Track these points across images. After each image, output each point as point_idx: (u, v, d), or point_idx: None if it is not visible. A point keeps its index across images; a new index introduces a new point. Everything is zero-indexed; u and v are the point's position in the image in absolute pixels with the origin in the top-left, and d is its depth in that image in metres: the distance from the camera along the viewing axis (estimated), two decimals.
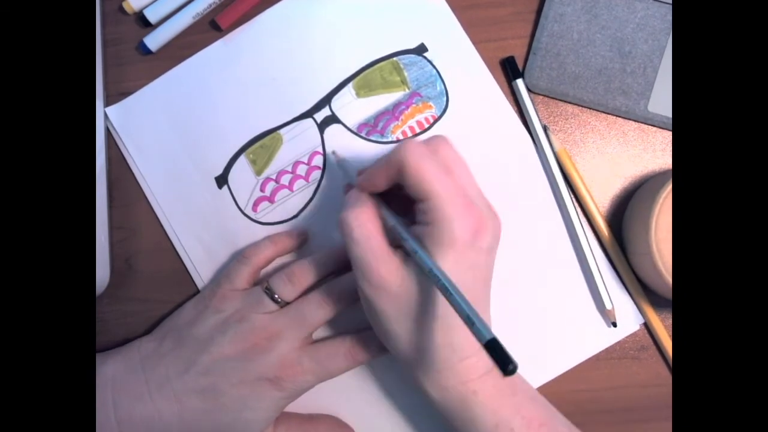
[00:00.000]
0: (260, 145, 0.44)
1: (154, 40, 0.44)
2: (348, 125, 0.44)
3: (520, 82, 0.43)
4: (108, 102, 0.45)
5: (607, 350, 0.42)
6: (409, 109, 0.44)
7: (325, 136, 0.44)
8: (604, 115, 0.44)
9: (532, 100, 0.43)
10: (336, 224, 0.41)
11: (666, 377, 0.42)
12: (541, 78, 0.43)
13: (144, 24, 0.45)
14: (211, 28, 0.45)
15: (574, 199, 0.42)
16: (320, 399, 0.42)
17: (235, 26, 0.45)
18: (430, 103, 0.44)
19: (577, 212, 0.42)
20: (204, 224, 0.44)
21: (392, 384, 0.43)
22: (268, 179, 0.44)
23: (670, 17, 0.42)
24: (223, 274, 0.42)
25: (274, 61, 0.44)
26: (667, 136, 0.43)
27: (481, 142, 0.43)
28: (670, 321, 0.42)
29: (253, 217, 0.43)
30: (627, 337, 0.42)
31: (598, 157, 0.44)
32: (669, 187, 0.37)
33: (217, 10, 0.45)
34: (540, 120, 0.43)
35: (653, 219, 0.37)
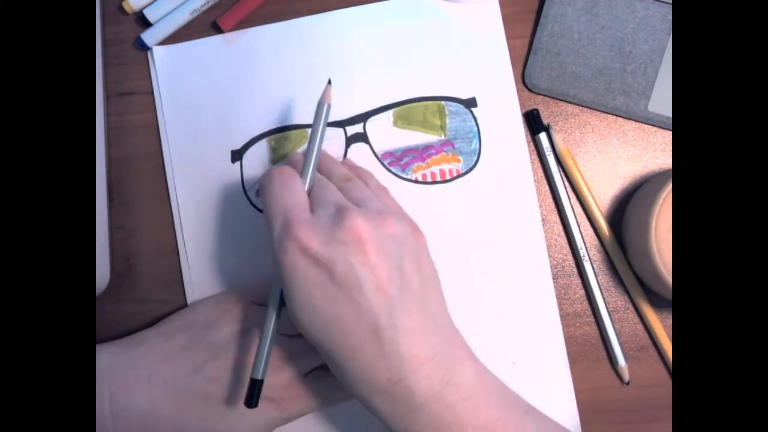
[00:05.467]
0: (285, 136, 0.44)
1: (151, 36, 0.44)
2: (375, 149, 0.43)
3: (543, 136, 0.43)
4: (108, 102, 0.45)
5: (607, 350, 0.42)
6: (438, 155, 0.43)
7: (348, 150, 0.43)
8: (604, 114, 0.44)
9: (556, 157, 0.43)
10: None
11: (666, 377, 0.42)
12: (542, 78, 0.43)
13: (144, 24, 0.45)
14: (211, 29, 0.45)
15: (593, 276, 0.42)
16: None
17: (237, 29, 0.45)
18: (460, 158, 0.43)
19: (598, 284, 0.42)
20: (205, 191, 0.44)
21: None
22: None
23: (670, 17, 0.42)
24: (252, 286, 0.42)
25: (326, 62, 0.44)
26: (667, 136, 0.43)
27: (492, 213, 0.43)
28: (670, 321, 0.42)
29: (253, 201, 0.43)
30: (627, 337, 0.42)
31: (598, 156, 0.44)
32: (669, 187, 0.37)
33: (216, 9, 0.45)
34: (562, 179, 0.43)
35: (653, 219, 0.37)
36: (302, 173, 0.36)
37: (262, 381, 0.35)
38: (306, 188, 0.36)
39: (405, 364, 0.31)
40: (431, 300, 0.33)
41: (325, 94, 0.38)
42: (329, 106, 0.37)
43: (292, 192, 0.34)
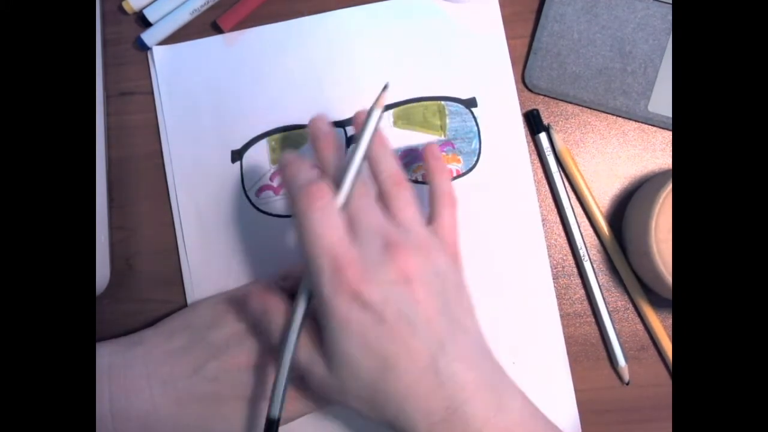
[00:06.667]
0: (285, 136, 0.44)
1: (151, 36, 0.44)
2: None
3: (543, 137, 0.43)
4: (108, 102, 0.45)
5: (607, 350, 0.42)
6: None
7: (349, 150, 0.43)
8: (604, 115, 0.44)
9: (556, 157, 0.43)
10: None
11: (666, 377, 0.42)
12: (541, 78, 0.43)
13: (144, 24, 0.45)
14: (211, 29, 0.45)
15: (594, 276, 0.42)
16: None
17: (237, 29, 0.45)
18: (460, 158, 0.43)
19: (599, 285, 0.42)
20: (205, 191, 0.44)
21: None
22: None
23: (670, 17, 0.42)
24: (253, 284, 0.42)
25: (326, 62, 0.44)
26: (667, 136, 0.43)
27: (492, 213, 0.43)
28: (670, 321, 0.42)
29: (254, 201, 0.43)
30: (627, 337, 0.42)
31: (598, 157, 0.44)
32: (669, 187, 0.37)
33: (216, 9, 0.45)
34: (562, 178, 0.43)
35: (653, 219, 0.37)
36: (339, 184, 0.33)
37: (278, 420, 0.33)
38: (339, 203, 0.33)
39: (461, 391, 0.31)
40: (471, 326, 0.34)
41: (379, 99, 0.35)
42: (382, 113, 0.35)
43: (334, 222, 0.32)
